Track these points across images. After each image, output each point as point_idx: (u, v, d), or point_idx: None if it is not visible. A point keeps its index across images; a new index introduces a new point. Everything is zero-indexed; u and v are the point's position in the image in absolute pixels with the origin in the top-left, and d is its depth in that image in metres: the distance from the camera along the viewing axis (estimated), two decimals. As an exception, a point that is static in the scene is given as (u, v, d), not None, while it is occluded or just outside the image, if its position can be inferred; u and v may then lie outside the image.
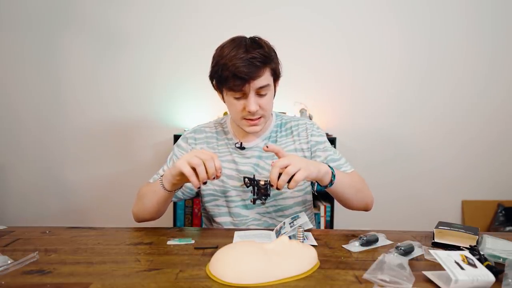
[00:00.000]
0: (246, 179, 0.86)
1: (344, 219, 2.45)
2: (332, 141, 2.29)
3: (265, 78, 0.98)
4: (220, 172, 0.86)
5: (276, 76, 1.04)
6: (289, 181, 0.84)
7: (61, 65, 2.44)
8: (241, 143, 1.11)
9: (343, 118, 2.47)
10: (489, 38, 2.43)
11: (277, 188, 0.84)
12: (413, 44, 2.44)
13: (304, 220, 0.88)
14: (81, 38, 2.42)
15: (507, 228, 2.31)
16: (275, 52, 1.04)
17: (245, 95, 0.98)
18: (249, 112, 0.98)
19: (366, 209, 1.09)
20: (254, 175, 0.87)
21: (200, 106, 2.43)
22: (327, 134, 2.36)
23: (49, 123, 2.47)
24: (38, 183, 2.49)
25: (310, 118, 2.28)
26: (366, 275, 0.66)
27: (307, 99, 2.34)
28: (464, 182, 2.50)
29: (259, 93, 0.98)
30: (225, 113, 2.24)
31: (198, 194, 1.18)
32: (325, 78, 2.45)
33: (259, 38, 1.04)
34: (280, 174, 0.84)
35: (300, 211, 1.14)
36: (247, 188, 0.97)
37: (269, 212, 1.11)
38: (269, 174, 0.86)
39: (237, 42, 0.98)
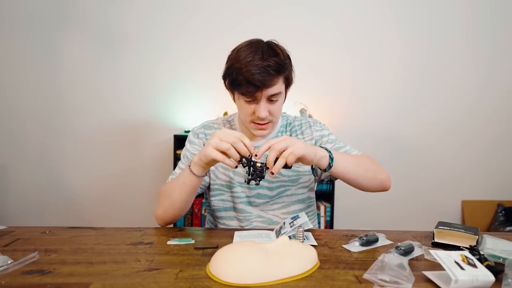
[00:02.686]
0: (244, 159, 0.86)
1: (344, 219, 2.46)
2: (332, 141, 2.29)
3: (278, 86, 1.00)
4: (254, 149, 0.86)
5: (288, 83, 1.06)
6: (285, 166, 0.85)
7: (61, 65, 2.44)
8: None
9: (343, 118, 2.47)
10: (489, 38, 2.43)
11: (272, 173, 0.84)
12: (412, 44, 2.44)
13: (304, 220, 0.88)
14: (82, 38, 2.42)
15: (507, 228, 2.31)
16: (290, 59, 1.06)
17: (256, 101, 0.99)
18: (258, 117, 1.00)
19: (384, 188, 1.05)
20: (251, 156, 0.87)
21: (200, 106, 2.43)
22: (327, 134, 2.36)
23: (49, 123, 2.47)
24: (38, 183, 2.49)
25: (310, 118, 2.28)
26: (366, 275, 0.66)
27: (307, 99, 2.34)
28: (464, 182, 2.51)
29: (270, 99, 1.00)
30: (225, 113, 2.24)
31: (204, 193, 1.19)
32: (325, 78, 2.45)
33: (276, 44, 1.04)
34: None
35: (304, 208, 1.14)
36: (243, 168, 0.97)
37: (273, 210, 1.12)
38: (266, 157, 0.86)
39: (254, 47, 0.99)
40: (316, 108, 2.38)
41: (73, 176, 2.50)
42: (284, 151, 0.85)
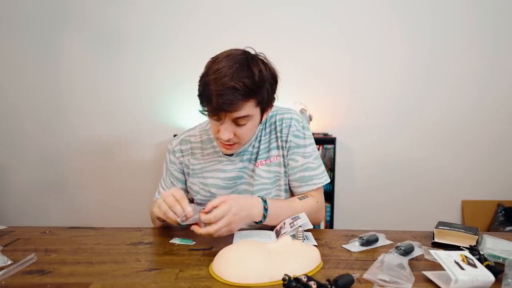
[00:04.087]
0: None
1: (344, 219, 2.46)
2: (332, 141, 2.29)
3: (245, 110, 0.89)
4: (186, 215, 0.82)
5: (263, 105, 0.95)
6: None
7: (60, 65, 2.44)
8: None
9: (343, 118, 2.47)
10: (491, 39, 2.43)
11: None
12: (414, 44, 2.44)
13: (304, 220, 0.88)
14: (81, 38, 2.42)
15: (507, 228, 2.31)
16: (273, 78, 0.95)
17: (221, 120, 0.91)
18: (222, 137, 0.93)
19: None
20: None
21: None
22: (326, 134, 2.36)
23: (49, 123, 2.47)
24: (38, 183, 2.49)
25: (310, 118, 2.28)
26: (366, 275, 0.66)
27: (307, 99, 2.34)
28: (464, 182, 2.50)
29: (237, 122, 0.91)
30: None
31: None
32: (325, 78, 2.45)
33: (257, 62, 0.92)
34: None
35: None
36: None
37: None
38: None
39: (231, 61, 0.88)
40: (316, 108, 2.38)
41: (73, 176, 2.50)
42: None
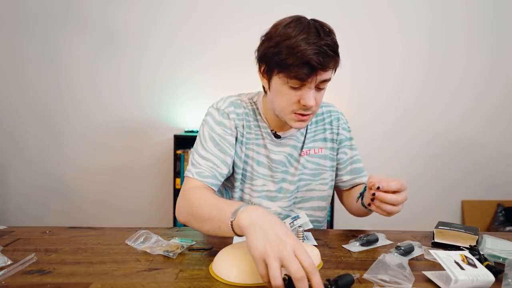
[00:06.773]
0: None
1: (344, 219, 2.45)
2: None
3: (331, 71, 0.88)
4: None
5: (334, 71, 0.92)
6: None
7: (60, 65, 2.44)
8: (275, 131, 1.02)
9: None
10: (490, 39, 2.43)
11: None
12: (413, 45, 2.44)
13: (304, 220, 0.88)
14: (81, 38, 2.42)
15: (507, 228, 2.31)
16: None
17: (305, 86, 0.85)
18: (304, 106, 0.86)
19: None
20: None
21: (200, 105, 2.43)
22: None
23: (49, 123, 2.47)
24: (38, 183, 2.49)
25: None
26: (366, 275, 0.66)
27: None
28: (464, 182, 2.50)
29: (318, 86, 0.87)
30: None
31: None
32: (325, 78, 2.45)
33: (324, 23, 0.89)
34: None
35: (325, 206, 1.10)
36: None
37: (295, 203, 1.05)
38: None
39: (305, 23, 0.85)
40: (316, 108, 2.38)
41: (73, 176, 2.50)
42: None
